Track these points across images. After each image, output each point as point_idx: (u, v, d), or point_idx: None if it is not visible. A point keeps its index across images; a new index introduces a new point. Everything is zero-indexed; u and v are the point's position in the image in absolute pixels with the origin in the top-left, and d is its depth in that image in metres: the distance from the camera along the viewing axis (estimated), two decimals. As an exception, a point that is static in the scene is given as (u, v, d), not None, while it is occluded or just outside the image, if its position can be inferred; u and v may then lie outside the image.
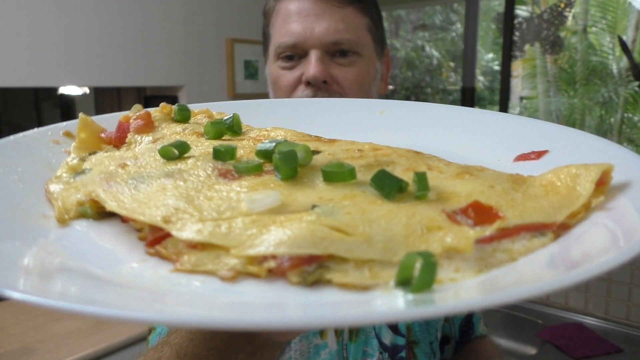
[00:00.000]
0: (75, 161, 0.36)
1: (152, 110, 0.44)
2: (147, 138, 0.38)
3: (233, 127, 0.41)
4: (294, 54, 0.71)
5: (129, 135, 0.39)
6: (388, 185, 0.27)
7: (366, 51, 0.73)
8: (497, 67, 6.02)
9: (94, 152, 0.38)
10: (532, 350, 1.89)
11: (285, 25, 0.71)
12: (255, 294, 0.24)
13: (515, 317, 2.09)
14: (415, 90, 6.17)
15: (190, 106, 0.46)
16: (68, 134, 0.39)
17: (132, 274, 0.27)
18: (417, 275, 0.22)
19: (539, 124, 0.40)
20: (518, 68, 4.65)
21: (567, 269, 0.21)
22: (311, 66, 0.70)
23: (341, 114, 0.48)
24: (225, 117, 0.42)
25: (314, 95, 0.71)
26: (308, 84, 0.70)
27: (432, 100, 6.12)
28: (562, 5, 2.23)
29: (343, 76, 0.71)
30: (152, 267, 0.28)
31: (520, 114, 6.00)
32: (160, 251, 0.28)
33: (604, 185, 0.27)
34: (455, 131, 0.42)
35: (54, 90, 2.40)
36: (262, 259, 0.25)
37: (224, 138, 0.41)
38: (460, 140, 0.41)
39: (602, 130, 4.21)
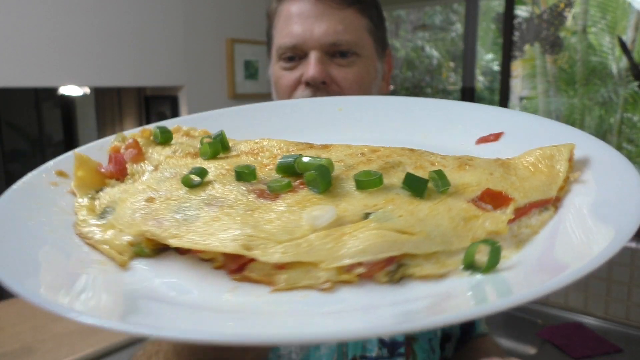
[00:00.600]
0: (87, 201, 0.36)
1: (129, 134, 0.43)
2: (148, 167, 0.38)
3: (223, 145, 0.41)
4: (295, 55, 0.72)
5: (128, 167, 0.38)
6: (419, 187, 0.31)
7: (366, 52, 0.73)
8: (497, 67, 6.02)
9: (100, 189, 0.37)
10: (531, 350, 1.90)
11: (286, 26, 0.72)
12: (354, 298, 0.26)
13: (515, 316, 2.09)
14: (415, 90, 6.17)
15: (161, 124, 0.45)
16: (61, 173, 0.39)
17: (236, 302, 0.28)
18: (487, 259, 0.26)
19: (489, 109, 0.44)
20: (518, 68, 4.65)
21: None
22: (310, 67, 0.70)
23: (302, 115, 0.49)
24: (214, 135, 0.42)
25: (314, 96, 0.71)
26: (307, 84, 0.71)
27: (432, 100, 6.13)
28: (562, 5, 2.23)
29: (342, 76, 0.72)
30: (248, 293, 0.29)
31: (520, 114, 5.99)
32: (250, 276, 0.29)
33: (571, 161, 0.32)
34: (414, 122, 0.45)
35: (54, 90, 2.40)
36: (350, 267, 0.28)
37: (226, 155, 0.41)
38: (422, 130, 0.43)
39: (601, 130, 4.21)
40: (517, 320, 2.07)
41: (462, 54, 2.65)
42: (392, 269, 0.28)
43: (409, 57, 5.96)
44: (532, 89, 4.76)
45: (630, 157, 4.22)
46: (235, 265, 0.30)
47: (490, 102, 6.29)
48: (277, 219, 0.30)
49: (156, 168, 0.37)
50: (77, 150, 0.39)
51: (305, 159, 0.33)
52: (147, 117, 2.35)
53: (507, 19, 2.30)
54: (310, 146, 0.40)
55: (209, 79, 2.29)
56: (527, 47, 3.54)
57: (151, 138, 0.42)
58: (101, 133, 2.50)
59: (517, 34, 2.35)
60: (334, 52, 0.71)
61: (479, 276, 0.26)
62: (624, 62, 3.98)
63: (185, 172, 0.36)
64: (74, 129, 3.54)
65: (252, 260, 0.29)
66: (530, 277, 0.25)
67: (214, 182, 0.35)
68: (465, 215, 0.29)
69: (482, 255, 0.27)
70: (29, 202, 0.36)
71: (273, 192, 0.33)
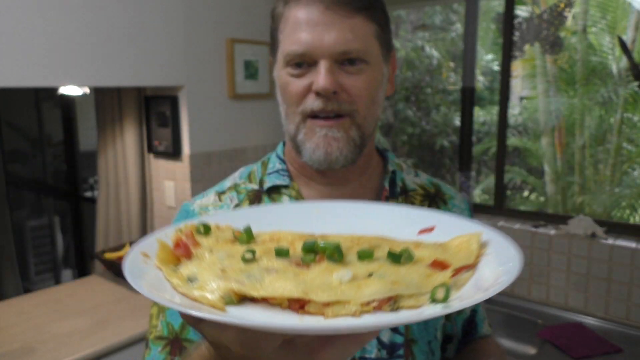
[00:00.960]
0: (174, 272, 0.50)
1: (183, 227, 0.58)
2: (207, 254, 0.53)
3: (251, 235, 0.58)
4: (303, 62, 0.72)
5: (193, 251, 0.54)
6: (397, 258, 0.51)
7: (373, 58, 0.74)
8: (497, 67, 6.02)
9: (177, 265, 0.52)
10: (531, 350, 1.90)
11: (294, 33, 0.72)
12: (372, 318, 0.46)
13: (515, 316, 2.09)
14: (415, 90, 6.17)
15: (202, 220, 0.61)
16: (144, 254, 0.52)
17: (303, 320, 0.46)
18: (443, 295, 0.46)
19: (423, 210, 0.63)
20: (518, 68, 4.65)
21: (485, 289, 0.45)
22: (321, 77, 0.70)
23: (291, 214, 0.66)
24: (244, 228, 0.58)
25: (325, 105, 0.72)
26: (318, 94, 0.72)
27: (432, 100, 6.12)
28: (562, 5, 2.23)
29: (352, 84, 0.72)
30: (310, 319, 0.46)
31: (520, 114, 6.00)
32: (309, 310, 0.46)
33: (479, 243, 0.53)
34: (372, 220, 0.63)
35: (54, 90, 2.40)
36: (368, 303, 0.46)
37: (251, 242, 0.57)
38: (380, 226, 0.61)
39: (601, 130, 4.21)
40: (517, 320, 2.08)
41: (462, 54, 2.65)
42: (392, 304, 0.47)
43: (409, 57, 5.96)
44: (532, 89, 4.76)
45: (630, 157, 4.22)
46: (298, 305, 0.47)
47: (491, 102, 6.29)
48: (317, 278, 0.49)
49: (211, 251, 0.54)
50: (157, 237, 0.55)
51: (321, 243, 0.52)
52: (147, 116, 2.35)
53: (507, 19, 2.30)
54: (312, 236, 0.58)
55: (209, 79, 2.29)
56: (527, 47, 3.54)
57: (196, 230, 0.58)
58: (101, 133, 2.50)
59: (517, 34, 2.35)
60: (343, 60, 0.72)
61: (439, 304, 0.46)
62: (624, 62, 3.97)
63: (233, 253, 0.53)
64: (74, 128, 3.54)
65: (309, 301, 0.46)
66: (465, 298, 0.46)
67: (261, 259, 0.52)
68: (426, 274, 0.49)
69: (440, 294, 0.46)
70: (141, 276, 0.49)
71: (305, 263, 0.51)
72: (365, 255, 0.51)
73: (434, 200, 0.86)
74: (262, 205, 0.73)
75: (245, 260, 0.50)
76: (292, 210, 0.66)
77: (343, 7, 0.70)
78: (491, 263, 0.50)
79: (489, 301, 2.02)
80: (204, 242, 0.55)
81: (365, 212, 0.65)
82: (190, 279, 0.48)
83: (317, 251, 0.51)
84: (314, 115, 0.74)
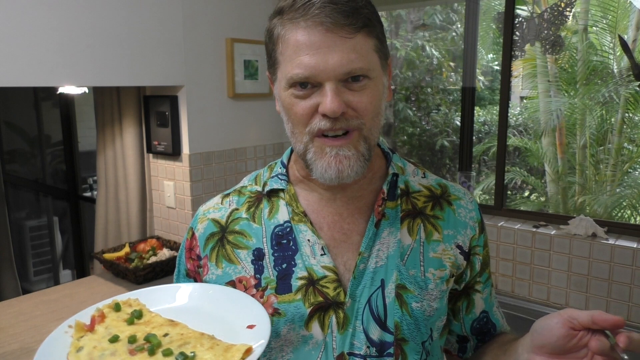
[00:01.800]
0: (76, 341, 0.70)
1: (101, 307, 0.76)
2: (102, 329, 0.72)
3: (139, 315, 0.75)
4: (307, 83, 0.72)
5: (96, 326, 0.72)
6: (185, 357, 0.65)
7: (375, 73, 0.74)
8: (497, 67, 6.02)
9: (83, 336, 0.70)
10: (532, 351, 1.89)
11: (296, 56, 0.71)
12: None
13: (516, 317, 2.09)
14: (415, 90, 6.17)
15: (116, 298, 0.78)
16: (70, 326, 0.72)
17: None
18: None
19: (255, 306, 0.75)
20: (518, 68, 4.65)
21: None
22: (328, 100, 0.70)
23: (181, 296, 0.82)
24: (134, 310, 0.75)
25: (333, 125, 0.73)
26: (325, 115, 0.72)
27: (432, 100, 6.12)
28: (563, 4, 2.22)
29: (358, 101, 0.73)
30: None
31: (521, 113, 5.99)
32: None
33: (250, 352, 0.66)
34: (210, 305, 0.78)
35: (53, 89, 2.39)
36: None
37: (136, 322, 0.74)
38: (210, 318, 0.75)
39: (602, 130, 4.21)
40: (518, 320, 2.07)
41: (462, 54, 2.64)
42: None
43: (409, 57, 5.96)
44: (533, 88, 4.76)
45: (631, 157, 4.22)
46: None
47: (491, 102, 6.28)
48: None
49: (106, 327, 0.72)
50: (75, 317, 0.73)
51: (144, 339, 0.69)
52: (146, 116, 2.35)
53: (508, 19, 2.30)
54: (171, 322, 0.73)
55: (208, 79, 2.29)
56: (527, 46, 3.53)
57: (112, 307, 0.76)
58: (100, 133, 2.50)
59: (517, 33, 2.34)
60: (347, 79, 0.72)
61: None
62: (625, 61, 3.97)
63: (114, 331, 0.71)
64: (73, 128, 3.54)
65: None
66: None
67: (121, 341, 0.69)
68: None
69: None
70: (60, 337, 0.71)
71: (137, 351, 0.66)
72: (167, 353, 0.65)
73: (438, 201, 0.86)
74: (166, 286, 0.84)
75: (110, 341, 0.68)
76: (179, 290, 0.82)
77: (344, 28, 0.70)
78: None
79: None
80: (110, 318, 0.73)
81: (226, 299, 0.79)
82: (79, 349, 0.67)
83: (149, 342, 0.68)
84: (322, 134, 0.74)
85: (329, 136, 0.74)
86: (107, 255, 2.17)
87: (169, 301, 0.79)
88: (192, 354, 0.65)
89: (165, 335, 0.70)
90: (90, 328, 0.71)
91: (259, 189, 0.88)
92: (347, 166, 0.74)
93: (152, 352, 0.66)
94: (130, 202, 2.42)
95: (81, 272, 3.62)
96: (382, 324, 0.78)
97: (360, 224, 0.82)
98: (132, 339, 0.68)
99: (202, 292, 0.81)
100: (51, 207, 4.03)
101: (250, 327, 0.71)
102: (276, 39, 0.75)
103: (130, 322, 0.73)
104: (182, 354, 0.65)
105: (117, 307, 0.76)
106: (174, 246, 2.29)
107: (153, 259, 2.14)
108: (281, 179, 0.86)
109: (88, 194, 3.63)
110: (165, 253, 2.21)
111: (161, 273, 2.15)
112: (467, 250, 0.86)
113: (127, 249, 2.22)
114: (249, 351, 0.66)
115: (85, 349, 0.67)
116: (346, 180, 0.75)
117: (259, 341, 0.67)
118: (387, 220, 0.81)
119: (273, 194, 0.86)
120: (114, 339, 0.69)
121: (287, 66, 0.73)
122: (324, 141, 0.74)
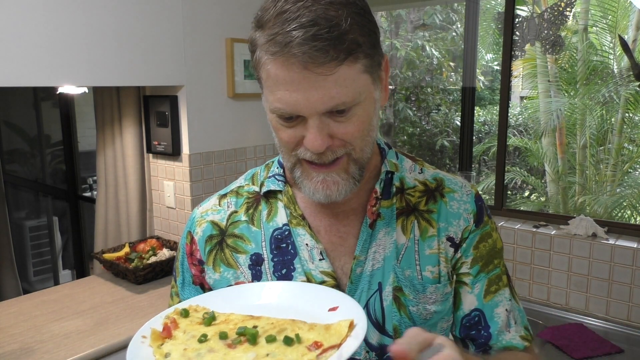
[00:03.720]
0: (159, 349, 0.68)
1: (171, 314, 0.75)
2: (181, 334, 0.70)
3: (213, 317, 0.74)
4: (291, 116, 0.68)
5: (173, 332, 0.71)
6: (290, 341, 0.63)
7: (364, 95, 0.69)
8: (497, 67, 6.01)
9: (162, 343, 0.69)
10: (532, 351, 1.89)
11: (277, 90, 0.67)
12: None
13: (516, 317, 2.08)
14: (415, 90, 6.17)
15: (183, 305, 0.77)
16: (143, 336, 0.70)
17: None
18: None
19: (332, 292, 0.73)
20: (518, 68, 4.65)
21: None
22: (311, 137, 0.67)
23: (246, 296, 0.80)
24: (209, 313, 0.74)
25: (318, 158, 0.70)
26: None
27: (432, 99, 6.12)
28: (563, 4, 2.22)
29: (343, 132, 0.69)
30: None
31: (521, 113, 5.99)
32: None
33: (351, 325, 0.64)
34: (296, 300, 0.75)
35: (53, 89, 2.39)
36: None
37: (212, 323, 0.72)
38: (304, 303, 0.74)
39: (602, 130, 4.21)
40: (518, 320, 2.07)
41: (462, 54, 2.64)
42: None
43: (408, 57, 5.96)
44: (533, 88, 4.76)
45: (631, 157, 4.22)
46: None
47: (491, 102, 6.28)
48: (238, 356, 0.63)
49: (184, 332, 0.71)
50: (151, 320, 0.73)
51: (242, 329, 0.67)
52: (146, 116, 2.35)
53: (508, 18, 2.30)
54: (252, 317, 0.72)
55: (208, 79, 2.29)
56: (527, 46, 3.53)
57: (179, 314, 0.76)
58: (100, 132, 2.50)
59: (517, 33, 2.34)
60: (332, 111, 0.67)
61: None
62: (625, 61, 3.97)
63: (196, 334, 0.69)
64: (73, 128, 3.53)
65: None
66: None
67: (212, 339, 0.68)
68: (302, 353, 0.61)
69: None
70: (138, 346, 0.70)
71: (234, 344, 0.65)
72: (270, 339, 0.65)
73: (432, 195, 0.83)
74: (223, 290, 0.82)
75: (199, 341, 0.67)
76: (244, 291, 0.81)
77: (324, 65, 0.63)
78: (354, 341, 0.62)
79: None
80: (182, 323, 0.73)
81: (288, 292, 0.78)
82: (167, 355, 0.66)
83: (244, 334, 0.67)
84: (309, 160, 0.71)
85: (316, 163, 0.70)
86: (107, 256, 2.17)
87: (237, 302, 0.77)
88: (297, 336, 0.63)
89: (254, 327, 0.68)
90: (168, 335, 0.71)
91: (256, 189, 0.85)
92: (336, 190, 0.72)
93: (253, 341, 0.64)
94: (130, 202, 2.42)
95: (81, 272, 3.62)
96: (381, 328, 0.77)
97: (356, 226, 0.80)
98: (223, 335, 0.67)
99: (272, 289, 0.79)
100: (51, 207, 4.03)
101: (333, 309, 0.69)
102: (257, 61, 0.70)
103: (207, 323, 0.72)
104: (287, 337, 0.63)
105: (185, 313, 0.75)
106: (173, 246, 2.29)
107: (153, 259, 2.14)
108: (278, 180, 0.83)
109: (88, 194, 3.63)
110: (165, 253, 2.21)
111: (161, 273, 2.15)
112: (457, 242, 0.81)
113: (127, 249, 2.22)
114: (351, 325, 0.64)
115: (173, 353, 0.66)
116: (336, 200, 0.73)
117: (354, 316, 0.65)
118: (383, 220, 0.79)
119: (270, 195, 0.83)
120: (203, 338, 0.67)
121: (269, 95, 0.69)
122: (311, 166, 0.71)
